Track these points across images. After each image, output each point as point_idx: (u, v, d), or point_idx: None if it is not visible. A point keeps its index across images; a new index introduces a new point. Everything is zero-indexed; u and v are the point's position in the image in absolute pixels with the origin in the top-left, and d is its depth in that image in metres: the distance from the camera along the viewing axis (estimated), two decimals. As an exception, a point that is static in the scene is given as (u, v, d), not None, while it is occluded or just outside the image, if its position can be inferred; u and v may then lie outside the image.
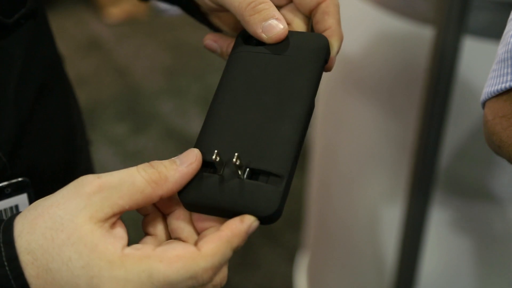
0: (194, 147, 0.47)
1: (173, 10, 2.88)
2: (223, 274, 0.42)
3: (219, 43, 0.57)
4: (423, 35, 0.97)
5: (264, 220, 0.43)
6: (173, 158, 0.43)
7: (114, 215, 0.40)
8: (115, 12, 3.00)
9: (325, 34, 0.52)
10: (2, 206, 0.54)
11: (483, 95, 0.52)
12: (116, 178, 0.40)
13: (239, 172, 0.44)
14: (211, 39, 0.57)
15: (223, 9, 0.54)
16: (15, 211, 0.54)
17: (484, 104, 0.52)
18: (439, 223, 1.11)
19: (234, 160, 0.43)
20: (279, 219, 0.44)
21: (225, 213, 0.44)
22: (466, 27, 0.92)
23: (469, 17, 0.91)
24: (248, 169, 0.45)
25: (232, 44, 0.55)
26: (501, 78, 0.49)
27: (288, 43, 0.51)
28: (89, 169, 0.72)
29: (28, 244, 0.39)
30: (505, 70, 0.49)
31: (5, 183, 0.54)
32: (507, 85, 0.49)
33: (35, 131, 0.58)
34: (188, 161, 0.43)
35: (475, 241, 1.11)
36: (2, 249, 0.39)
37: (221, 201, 0.44)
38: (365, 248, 1.26)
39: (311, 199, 1.43)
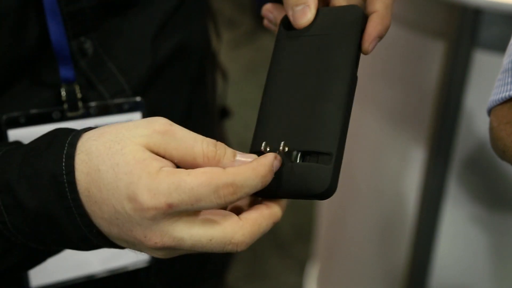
0: (253, 138, 0.50)
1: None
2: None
3: (275, 13, 0.58)
4: (434, 48, 0.98)
5: (319, 196, 0.46)
6: (236, 151, 0.45)
7: (163, 157, 0.44)
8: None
9: (371, 18, 0.52)
10: (118, 120, 0.60)
11: (489, 103, 0.54)
12: (182, 134, 0.44)
13: (291, 157, 0.47)
14: (268, 9, 0.58)
15: None
16: None
17: (490, 111, 0.54)
18: (450, 235, 1.11)
19: (281, 148, 0.46)
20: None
21: (284, 195, 0.47)
22: (477, 41, 0.92)
23: (481, 31, 0.91)
24: (299, 152, 0.47)
25: None
26: (506, 87, 0.52)
27: (324, 21, 0.52)
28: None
29: (89, 147, 0.44)
30: (510, 79, 0.52)
31: (124, 99, 0.60)
32: (511, 93, 0.51)
33: (166, 81, 0.64)
34: (245, 162, 0.45)
35: (486, 250, 1.11)
36: (66, 147, 0.44)
37: (278, 186, 0.47)
38: (375, 260, 1.26)
39: (321, 210, 1.44)
